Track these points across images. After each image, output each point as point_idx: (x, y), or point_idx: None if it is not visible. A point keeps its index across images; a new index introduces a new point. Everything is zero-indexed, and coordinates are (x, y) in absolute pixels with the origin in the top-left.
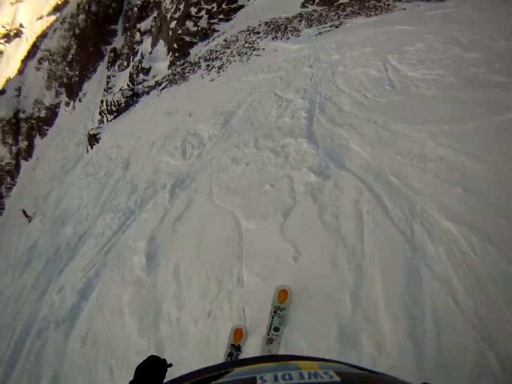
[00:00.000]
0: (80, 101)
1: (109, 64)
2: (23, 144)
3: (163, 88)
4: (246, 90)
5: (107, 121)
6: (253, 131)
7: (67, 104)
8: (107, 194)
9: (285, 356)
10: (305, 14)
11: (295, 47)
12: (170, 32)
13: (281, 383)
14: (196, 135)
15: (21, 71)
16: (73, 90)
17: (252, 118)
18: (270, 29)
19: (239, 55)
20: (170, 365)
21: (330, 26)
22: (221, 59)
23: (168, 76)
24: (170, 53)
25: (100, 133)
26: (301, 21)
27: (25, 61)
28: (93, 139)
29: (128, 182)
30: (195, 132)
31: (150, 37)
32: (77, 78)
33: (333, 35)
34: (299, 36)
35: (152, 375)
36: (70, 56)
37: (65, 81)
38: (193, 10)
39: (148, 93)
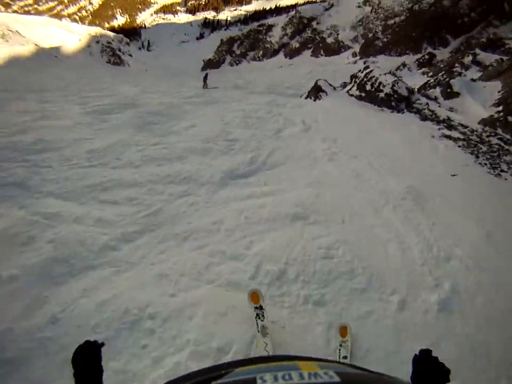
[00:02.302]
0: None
1: None
2: None
3: None
4: None
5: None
6: None
7: None
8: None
9: (285, 356)
10: None
11: None
12: None
13: (281, 383)
14: None
15: None
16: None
17: None
18: None
19: None
20: (103, 344)
21: None
22: None
23: None
24: None
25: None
26: None
27: None
28: (314, 91)
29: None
30: None
31: None
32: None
33: None
34: None
35: (89, 366)
36: None
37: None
38: None
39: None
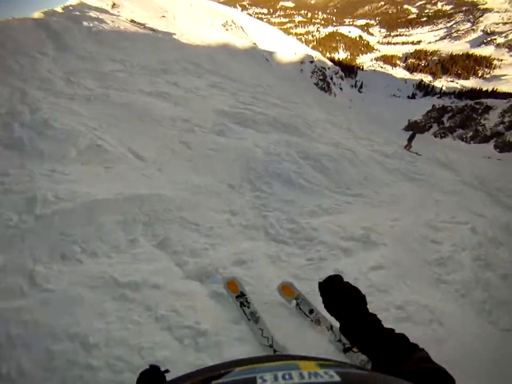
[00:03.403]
0: None
1: None
2: None
3: None
4: None
5: None
6: None
7: None
8: None
9: (285, 355)
10: None
11: None
12: None
13: (281, 383)
14: None
15: None
16: None
17: None
18: None
19: None
20: (167, 371)
21: None
22: None
23: None
24: None
25: None
26: None
27: None
28: None
29: None
30: None
31: None
32: None
33: None
34: None
35: None
36: None
37: None
38: None
39: None
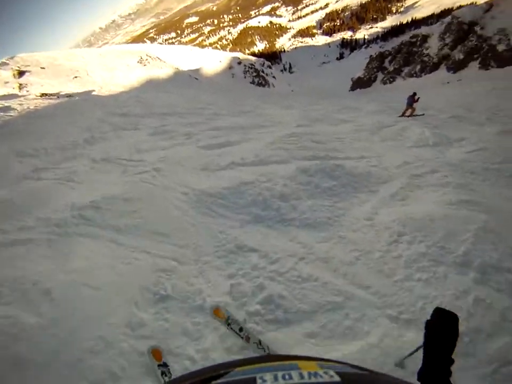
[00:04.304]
0: None
1: None
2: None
3: None
4: None
5: None
6: None
7: None
8: None
9: (284, 355)
10: None
11: None
12: None
13: (281, 383)
14: None
15: None
16: None
17: None
18: None
19: None
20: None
21: None
22: None
23: None
24: None
25: None
26: None
27: None
28: None
29: None
30: None
31: None
32: None
33: None
34: None
35: None
36: None
37: None
38: None
39: None
